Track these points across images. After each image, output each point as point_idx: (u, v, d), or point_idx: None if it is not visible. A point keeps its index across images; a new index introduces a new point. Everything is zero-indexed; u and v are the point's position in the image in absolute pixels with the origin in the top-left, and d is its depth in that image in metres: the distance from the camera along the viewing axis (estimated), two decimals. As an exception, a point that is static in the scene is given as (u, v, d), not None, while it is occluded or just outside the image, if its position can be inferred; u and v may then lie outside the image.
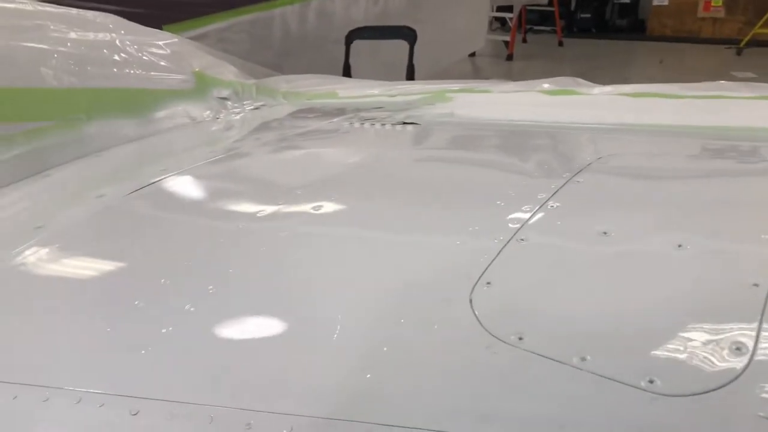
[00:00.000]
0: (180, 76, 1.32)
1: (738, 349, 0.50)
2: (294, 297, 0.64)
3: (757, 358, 0.49)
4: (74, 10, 1.33)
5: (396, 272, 0.65)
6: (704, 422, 0.47)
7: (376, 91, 1.58)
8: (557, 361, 0.52)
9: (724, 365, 0.49)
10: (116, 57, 1.24)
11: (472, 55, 6.64)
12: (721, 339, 0.51)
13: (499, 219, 0.68)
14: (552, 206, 0.71)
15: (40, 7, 1.27)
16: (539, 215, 0.69)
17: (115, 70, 1.23)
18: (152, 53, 1.32)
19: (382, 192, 0.84)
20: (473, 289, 0.60)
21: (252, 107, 1.42)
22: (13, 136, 1.05)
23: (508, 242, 0.65)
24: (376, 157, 1.03)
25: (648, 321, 0.55)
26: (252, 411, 0.53)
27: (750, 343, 0.50)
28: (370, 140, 1.12)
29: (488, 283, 0.61)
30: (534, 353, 0.54)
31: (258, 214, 0.81)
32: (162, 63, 1.32)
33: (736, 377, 0.48)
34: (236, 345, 0.60)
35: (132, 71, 1.25)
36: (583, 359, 0.52)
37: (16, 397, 0.55)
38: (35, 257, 0.77)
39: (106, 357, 0.59)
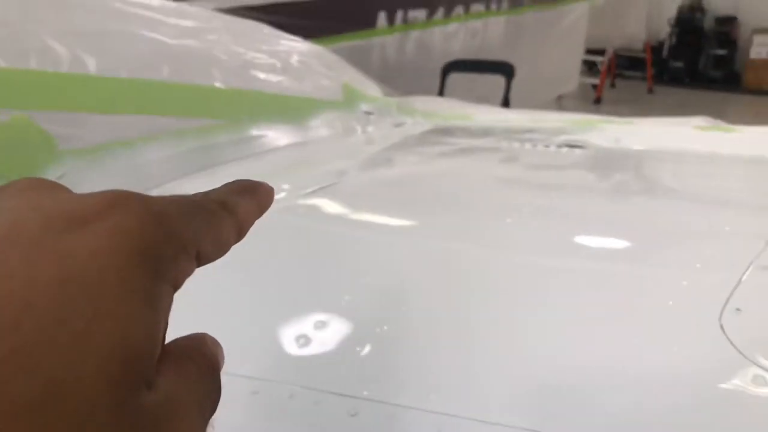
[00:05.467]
0: (331, 87, 1.34)
1: None
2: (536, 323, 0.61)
3: None
4: (237, 19, 1.38)
5: (635, 298, 0.61)
6: None
7: (511, 116, 1.56)
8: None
9: None
10: (276, 63, 1.27)
11: (559, 97, 6.59)
12: None
13: (733, 246, 0.65)
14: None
15: (211, 14, 1.32)
16: (774, 244, 0.65)
17: (274, 76, 1.25)
18: (306, 63, 1.34)
19: (590, 216, 0.81)
20: (722, 312, 0.56)
21: (394, 124, 1.42)
22: (185, 130, 1.07)
23: (747, 269, 0.61)
24: (566, 177, 0.99)
25: None
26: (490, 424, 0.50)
27: None
28: (545, 160, 1.09)
29: (738, 309, 0.57)
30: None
31: (450, 228, 0.79)
32: (315, 73, 1.34)
33: None
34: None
35: (289, 78, 1.27)
36: None
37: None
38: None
39: None
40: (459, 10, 4.12)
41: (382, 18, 3.53)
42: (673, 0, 8.18)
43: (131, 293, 0.18)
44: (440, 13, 3.97)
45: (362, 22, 3.39)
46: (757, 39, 7.75)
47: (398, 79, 3.44)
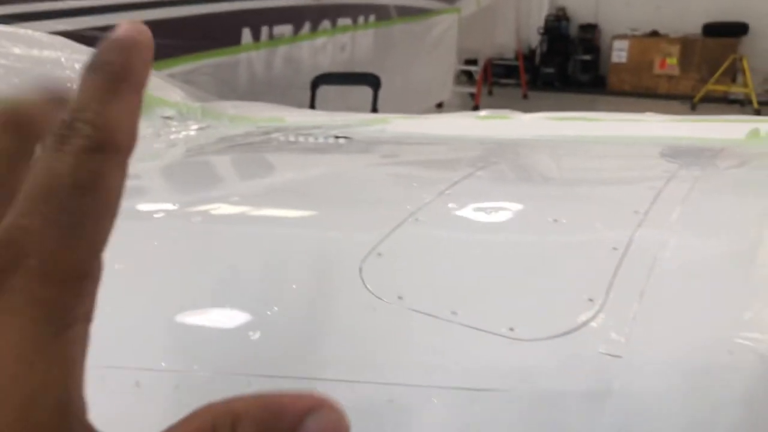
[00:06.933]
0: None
1: (590, 300, 0.54)
2: (208, 279, 0.67)
3: (604, 311, 0.53)
4: (23, 30, 1.38)
5: (297, 244, 0.69)
6: (557, 359, 0.51)
7: (323, 118, 1.64)
8: (431, 315, 0.56)
9: (575, 314, 0.53)
10: (59, 73, 1.28)
11: (440, 106, 6.83)
12: (577, 292, 0.55)
13: (401, 204, 0.73)
14: (449, 194, 0.76)
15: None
16: (436, 201, 0.74)
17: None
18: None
19: (293, 190, 0.89)
20: (366, 258, 0.64)
21: (196, 127, 1.46)
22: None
23: (404, 221, 0.69)
24: (295, 162, 1.08)
25: (514, 280, 0.60)
26: (139, 369, 0.55)
27: (600, 298, 0.54)
28: (294, 150, 1.17)
29: (379, 254, 0.65)
30: (411, 309, 0.57)
31: (174, 211, 0.84)
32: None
33: (584, 324, 0.52)
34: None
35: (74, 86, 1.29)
36: (454, 313, 0.56)
37: None
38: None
39: None
40: (326, 24, 4.16)
41: (246, 34, 3.51)
42: (540, 9, 8.67)
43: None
44: (307, 27, 3.98)
45: (226, 39, 3.37)
46: (616, 44, 8.35)
47: (268, 94, 3.45)
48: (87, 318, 0.18)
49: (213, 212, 0.79)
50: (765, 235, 0.57)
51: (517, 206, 0.74)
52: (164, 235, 0.74)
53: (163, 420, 0.59)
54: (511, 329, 0.53)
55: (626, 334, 0.51)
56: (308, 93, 3.57)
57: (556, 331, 0.52)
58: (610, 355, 0.49)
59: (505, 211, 0.71)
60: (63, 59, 1.34)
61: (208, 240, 0.74)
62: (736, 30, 7.73)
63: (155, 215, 0.81)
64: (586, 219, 0.70)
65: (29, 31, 1.38)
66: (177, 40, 2.93)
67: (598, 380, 0.49)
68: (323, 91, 3.60)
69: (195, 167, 1.07)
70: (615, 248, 0.59)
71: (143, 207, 0.87)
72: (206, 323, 0.60)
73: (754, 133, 0.98)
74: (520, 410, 0.49)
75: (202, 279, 0.67)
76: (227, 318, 0.60)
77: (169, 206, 0.81)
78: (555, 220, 0.66)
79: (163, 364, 0.58)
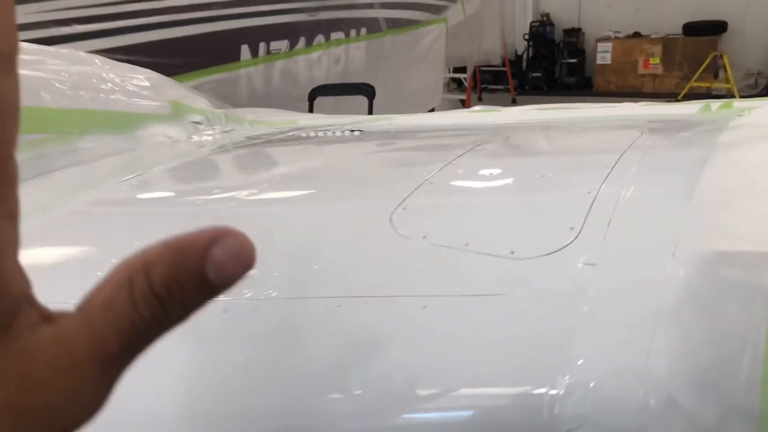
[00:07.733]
0: (158, 103, 1.54)
1: (571, 228, 0.72)
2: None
3: (581, 235, 0.71)
4: (66, 50, 1.55)
5: (338, 206, 0.87)
6: (547, 270, 0.68)
7: (332, 119, 1.82)
8: (449, 247, 0.73)
9: (560, 239, 0.71)
10: (103, 86, 1.46)
11: (432, 111, 7.01)
12: (561, 223, 0.73)
13: (417, 173, 0.91)
14: (455, 163, 0.94)
15: (36, 46, 1.49)
16: (445, 168, 0.92)
17: (102, 95, 1.44)
18: (134, 84, 1.54)
19: (330, 169, 1.06)
20: (393, 212, 0.81)
21: (222, 130, 1.63)
22: (19, 145, 1.23)
23: (420, 185, 0.87)
24: (324, 149, 1.26)
25: (512, 218, 0.77)
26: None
27: (578, 226, 0.72)
28: (318, 141, 1.35)
29: (404, 208, 0.82)
30: (433, 244, 0.74)
31: (215, 196, 1.02)
32: (143, 92, 1.54)
33: (567, 245, 0.70)
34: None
35: (117, 97, 1.46)
36: (467, 244, 0.73)
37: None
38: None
39: None
40: (320, 38, 4.30)
41: (245, 51, 3.66)
42: (524, 16, 8.91)
43: None
44: (302, 42, 4.13)
45: (227, 56, 3.52)
46: (600, 46, 8.59)
47: (268, 107, 3.61)
48: (11, 215, 0.20)
49: (270, 186, 0.97)
50: (699, 178, 0.75)
51: (510, 168, 0.92)
52: (229, 205, 0.92)
53: (213, 334, 0.76)
54: (512, 252, 0.70)
55: (598, 249, 0.68)
56: (306, 105, 3.72)
57: (546, 251, 0.69)
58: (587, 264, 0.66)
59: (501, 171, 0.89)
60: (104, 74, 1.51)
61: (269, 204, 0.92)
62: (716, 28, 7.98)
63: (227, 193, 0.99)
64: (567, 174, 0.87)
65: (69, 50, 1.55)
66: (180, 59, 3.09)
67: (576, 283, 0.66)
68: (320, 102, 3.76)
69: (243, 157, 1.25)
70: (589, 192, 0.76)
71: (198, 190, 1.05)
72: (264, 260, 0.77)
73: (706, 107, 1.16)
74: (519, 307, 0.66)
75: (268, 233, 0.84)
76: (281, 258, 0.76)
77: (233, 185, 0.98)
78: (542, 176, 0.84)
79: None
